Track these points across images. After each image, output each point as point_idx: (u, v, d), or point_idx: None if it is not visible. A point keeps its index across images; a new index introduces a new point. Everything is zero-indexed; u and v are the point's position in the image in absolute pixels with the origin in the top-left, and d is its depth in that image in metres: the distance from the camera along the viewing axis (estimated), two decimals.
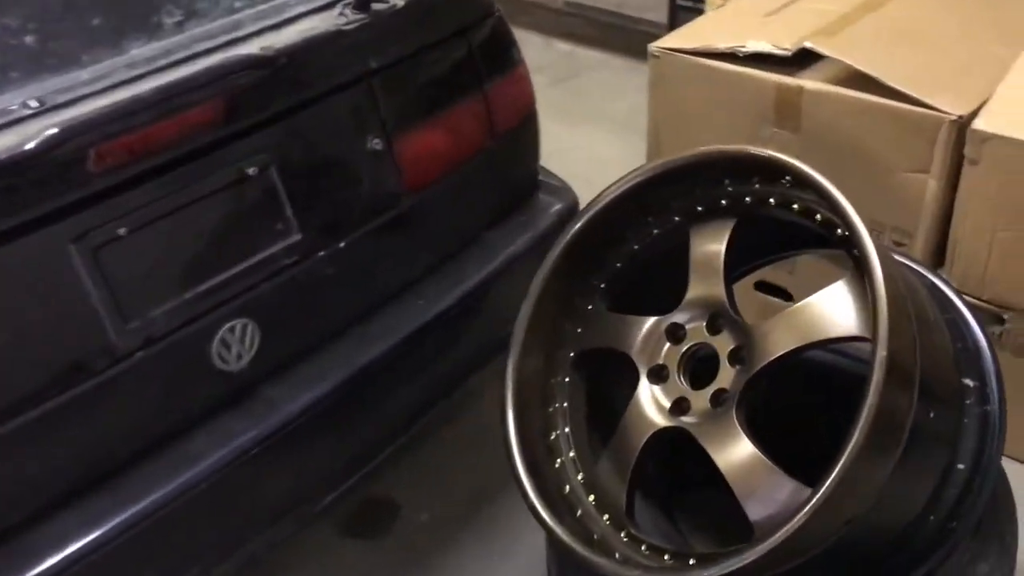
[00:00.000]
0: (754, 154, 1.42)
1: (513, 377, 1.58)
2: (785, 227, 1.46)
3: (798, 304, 1.36)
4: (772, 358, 1.34)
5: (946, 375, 1.40)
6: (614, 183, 1.58)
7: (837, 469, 1.12)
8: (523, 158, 2.11)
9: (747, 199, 1.47)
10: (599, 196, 1.60)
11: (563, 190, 2.18)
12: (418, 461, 2.26)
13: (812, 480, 1.17)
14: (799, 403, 1.63)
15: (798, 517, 1.13)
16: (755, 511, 1.27)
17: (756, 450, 1.30)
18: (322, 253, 1.69)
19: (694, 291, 1.49)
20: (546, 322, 1.61)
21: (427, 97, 1.86)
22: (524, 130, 2.07)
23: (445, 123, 1.89)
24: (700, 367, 1.48)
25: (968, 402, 1.42)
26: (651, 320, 1.52)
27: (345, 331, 1.76)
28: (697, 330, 1.48)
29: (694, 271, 1.50)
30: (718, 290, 1.46)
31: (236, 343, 1.57)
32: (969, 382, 1.44)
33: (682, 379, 1.47)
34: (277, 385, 1.65)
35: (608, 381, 1.62)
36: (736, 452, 1.32)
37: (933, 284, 1.58)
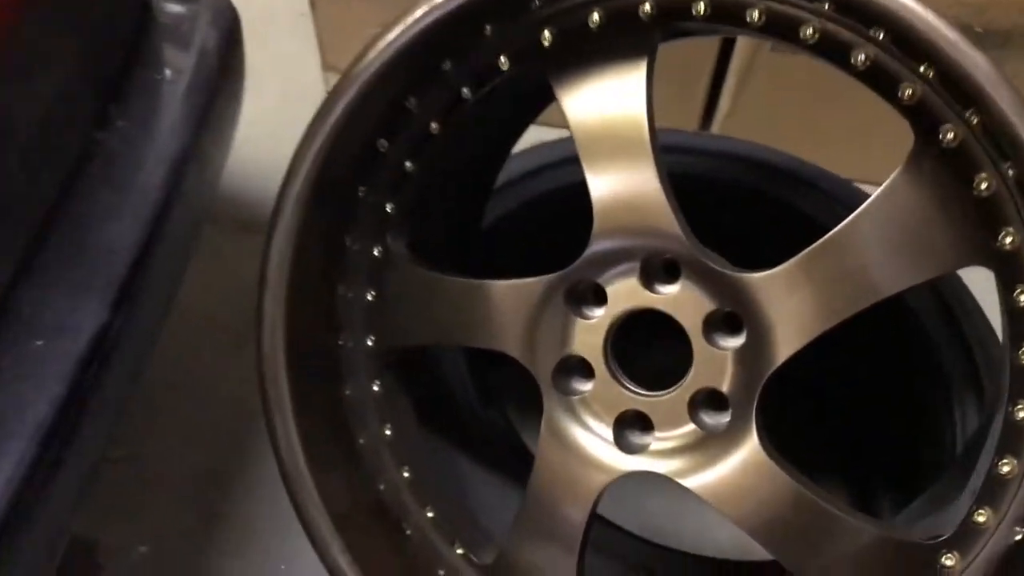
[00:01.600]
0: None
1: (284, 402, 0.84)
2: None
3: (837, 230, 0.74)
4: (814, 334, 0.74)
5: None
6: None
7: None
8: None
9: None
10: (364, 51, 0.75)
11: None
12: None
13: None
14: None
15: None
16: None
17: (811, 494, 0.76)
18: None
19: (606, 216, 0.78)
20: (310, 290, 0.84)
21: None
22: None
23: None
24: (636, 356, 0.84)
25: None
26: (528, 286, 0.82)
27: None
28: (627, 288, 0.80)
29: (591, 168, 0.78)
30: (652, 199, 0.77)
31: None
32: None
33: (621, 376, 0.83)
34: None
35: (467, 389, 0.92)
36: (769, 503, 0.77)
37: None
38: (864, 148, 1.61)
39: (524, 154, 1.22)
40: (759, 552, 1.31)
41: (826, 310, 0.74)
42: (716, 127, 1.63)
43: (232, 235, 1.70)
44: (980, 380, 1.04)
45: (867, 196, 1.26)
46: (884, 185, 0.72)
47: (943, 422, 1.06)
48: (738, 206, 1.23)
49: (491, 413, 1.14)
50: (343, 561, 0.85)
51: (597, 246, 0.79)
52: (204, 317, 1.60)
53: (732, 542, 1.31)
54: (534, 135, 1.14)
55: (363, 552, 0.87)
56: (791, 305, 0.75)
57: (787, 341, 0.75)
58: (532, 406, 0.85)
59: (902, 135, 0.71)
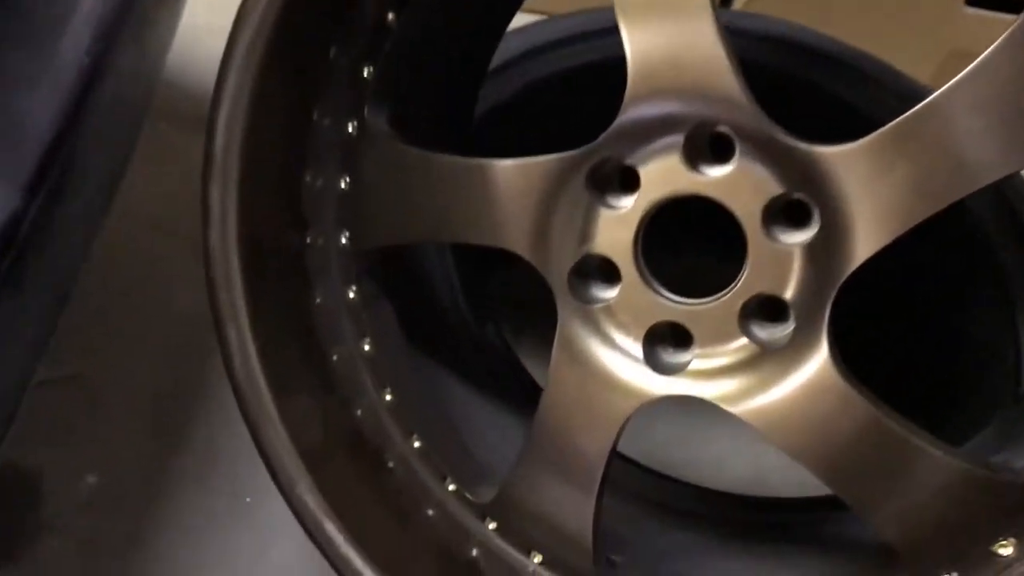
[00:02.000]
0: None
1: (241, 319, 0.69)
2: None
3: (939, 94, 0.57)
4: (903, 227, 0.59)
5: None
6: None
7: None
8: None
9: None
10: None
11: None
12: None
13: None
14: None
15: None
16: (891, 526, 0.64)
17: (894, 423, 0.62)
18: None
19: (645, 75, 0.62)
20: (269, 176, 0.68)
21: None
22: None
23: None
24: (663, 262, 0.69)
25: None
26: (541, 165, 0.65)
27: None
28: (665, 169, 0.64)
29: (626, 12, 0.61)
30: (706, 53, 0.60)
31: None
32: None
33: (653, 281, 0.67)
34: None
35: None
36: (840, 433, 0.63)
37: None
38: (906, 29, 1.44)
39: (527, 30, 1.05)
40: (777, 485, 1.19)
41: (919, 196, 0.58)
42: (739, 3, 1.45)
43: (190, 134, 1.51)
44: None
45: (918, 83, 1.10)
46: (994, 45, 0.55)
47: (1006, 353, 0.92)
48: (769, 93, 1.06)
49: (488, 331, 0.99)
50: (312, 501, 0.70)
51: (630, 114, 0.63)
52: (158, 222, 1.42)
53: (751, 473, 1.18)
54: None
55: (336, 489, 0.72)
56: (877, 188, 0.59)
57: (869, 235, 0.60)
58: (535, 325, 0.69)
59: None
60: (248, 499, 1.26)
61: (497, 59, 0.96)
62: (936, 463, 0.62)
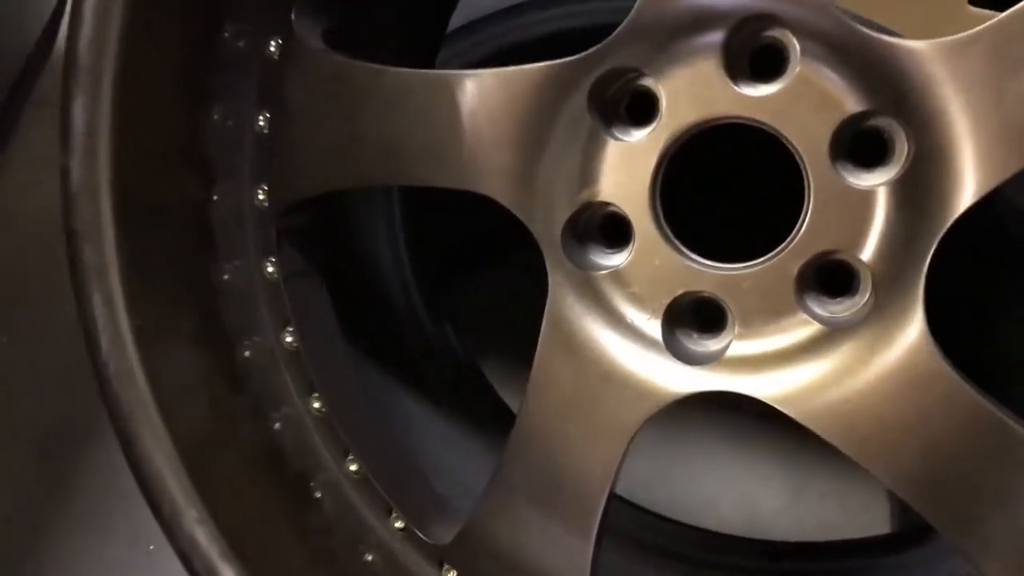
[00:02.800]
0: None
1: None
2: None
3: None
4: None
5: None
6: None
7: None
8: None
9: None
10: None
11: None
12: None
13: None
14: None
15: None
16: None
17: (1010, 418, 0.44)
18: None
19: None
20: (158, 111, 0.49)
21: None
22: None
23: None
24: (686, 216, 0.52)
25: None
26: (528, 76, 0.48)
27: None
28: (698, 84, 0.47)
29: None
30: None
31: None
32: None
33: (675, 240, 0.49)
34: None
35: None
36: (940, 434, 0.45)
37: None
38: (909, 29, 1.31)
39: None
40: (768, 527, 1.02)
41: None
42: None
43: None
44: None
45: None
46: None
47: None
48: None
49: (447, 334, 0.80)
50: (204, 537, 0.51)
51: (654, 5, 0.46)
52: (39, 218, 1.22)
53: (743, 514, 1.01)
54: None
55: (240, 525, 0.53)
56: (998, 97, 0.42)
57: (981, 167, 0.43)
58: (504, 338, 0.52)
59: None
60: (151, 546, 1.06)
61: (468, 14, 0.80)
62: None
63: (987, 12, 1.42)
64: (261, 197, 0.58)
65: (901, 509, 0.91)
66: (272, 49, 0.57)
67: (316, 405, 0.60)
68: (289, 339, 0.60)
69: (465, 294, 0.91)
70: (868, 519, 0.95)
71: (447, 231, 0.80)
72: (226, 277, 0.59)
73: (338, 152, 0.53)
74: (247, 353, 0.59)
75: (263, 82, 0.57)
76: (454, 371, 0.78)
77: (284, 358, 0.60)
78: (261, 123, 0.58)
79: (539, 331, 0.50)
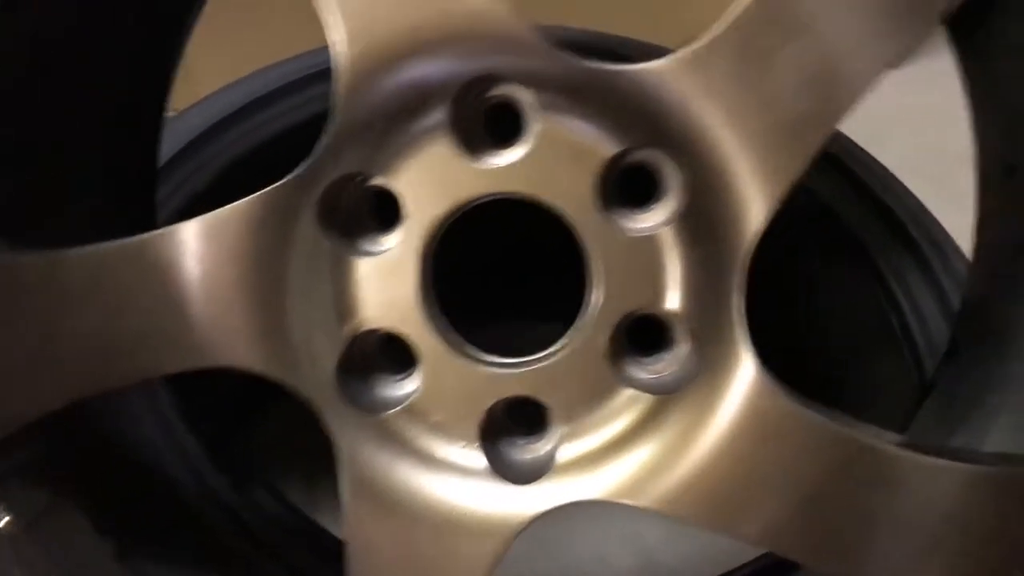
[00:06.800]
0: None
1: None
2: None
3: None
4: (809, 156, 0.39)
5: None
6: None
7: None
8: None
9: None
10: None
11: None
12: None
13: None
14: None
15: None
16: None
17: (867, 437, 0.40)
18: None
19: (365, 18, 0.38)
20: None
21: None
22: None
23: None
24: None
25: None
26: (238, 214, 0.40)
27: None
28: (436, 171, 0.40)
29: None
30: None
31: None
32: None
33: (465, 345, 0.42)
34: None
35: None
36: (810, 469, 0.40)
37: None
38: None
39: (206, 103, 0.80)
40: (668, 562, 0.96)
41: (813, 111, 0.38)
42: None
43: None
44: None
45: None
46: None
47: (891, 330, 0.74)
48: None
49: (258, 498, 0.69)
50: None
51: (356, 98, 0.39)
52: None
53: (641, 561, 0.95)
54: None
55: None
56: (753, 101, 0.38)
57: (764, 181, 0.38)
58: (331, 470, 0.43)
59: None
60: None
61: (178, 141, 0.71)
62: (935, 471, 0.40)
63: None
64: None
65: None
66: None
67: None
68: None
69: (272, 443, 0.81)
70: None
71: (218, 386, 0.70)
72: None
73: (24, 372, 0.42)
74: None
75: None
76: (283, 542, 0.67)
77: None
78: None
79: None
